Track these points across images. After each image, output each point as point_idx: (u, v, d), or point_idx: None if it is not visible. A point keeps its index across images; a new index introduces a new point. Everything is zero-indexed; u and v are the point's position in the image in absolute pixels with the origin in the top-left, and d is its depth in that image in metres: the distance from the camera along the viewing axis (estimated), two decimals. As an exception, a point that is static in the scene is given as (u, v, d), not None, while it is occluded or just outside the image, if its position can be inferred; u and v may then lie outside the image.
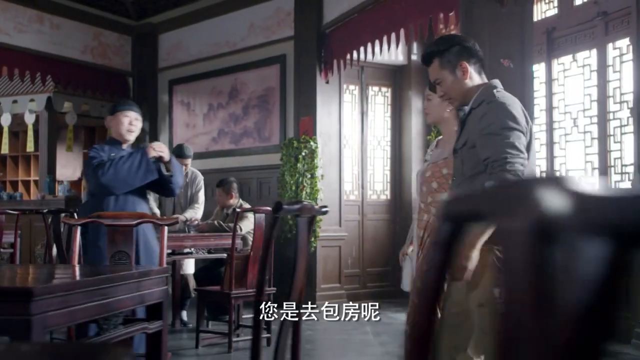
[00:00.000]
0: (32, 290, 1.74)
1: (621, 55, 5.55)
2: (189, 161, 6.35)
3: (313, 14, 7.61)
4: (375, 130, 8.15)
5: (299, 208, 2.05)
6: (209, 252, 6.04)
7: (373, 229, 8.03)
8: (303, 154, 7.36)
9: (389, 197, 8.20)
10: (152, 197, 6.21)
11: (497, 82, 2.76)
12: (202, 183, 6.42)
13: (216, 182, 6.68)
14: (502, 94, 2.67)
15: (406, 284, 3.51)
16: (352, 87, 7.97)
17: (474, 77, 2.76)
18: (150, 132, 9.55)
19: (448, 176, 3.14)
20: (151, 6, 9.19)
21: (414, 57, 8.05)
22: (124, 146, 4.14)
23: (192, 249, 5.78)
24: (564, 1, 6.14)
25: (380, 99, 8.20)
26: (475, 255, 2.40)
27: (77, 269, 3.01)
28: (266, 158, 8.12)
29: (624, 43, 5.51)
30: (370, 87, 8.12)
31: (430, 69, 2.81)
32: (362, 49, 6.90)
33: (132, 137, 4.20)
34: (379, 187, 8.17)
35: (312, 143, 7.37)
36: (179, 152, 6.29)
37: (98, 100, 9.34)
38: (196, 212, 6.30)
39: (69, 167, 11.22)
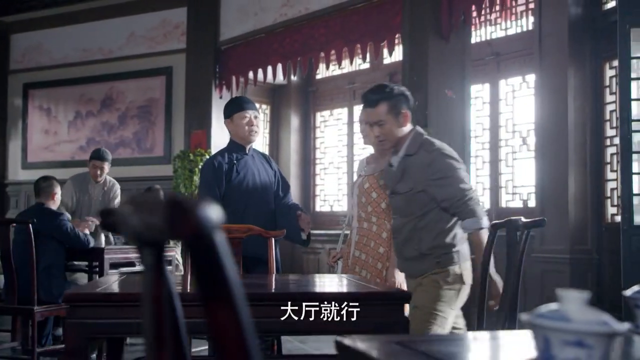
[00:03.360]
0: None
1: (514, 91, 6.55)
2: (106, 165, 6.20)
3: (208, 30, 7.78)
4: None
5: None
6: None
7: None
8: (199, 166, 7.47)
9: (266, 210, 8.56)
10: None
11: (420, 129, 3.25)
12: (119, 191, 6.31)
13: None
14: (434, 140, 3.22)
15: None
16: (236, 103, 8.22)
17: (408, 125, 3.18)
18: (-1, 137, 8.93)
19: (384, 187, 3.59)
20: (12, 3, 8.62)
21: (293, 78, 8.52)
22: (247, 148, 3.95)
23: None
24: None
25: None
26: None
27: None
28: (149, 169, 8.06)
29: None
30: (252, 104, 8.43)
31: (375, 111, 3.04)
32: (269, 68, 7.25)
33: (255, 138, 3.98)
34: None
35: (207, 156, 7.52)
36: (95, 154, 6.14)
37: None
38: None
39: None
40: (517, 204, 6.47)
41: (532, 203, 6.15)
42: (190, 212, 0.50)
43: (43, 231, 5.03)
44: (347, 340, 1.12)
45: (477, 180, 6.65)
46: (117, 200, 6.27)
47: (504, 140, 6.64)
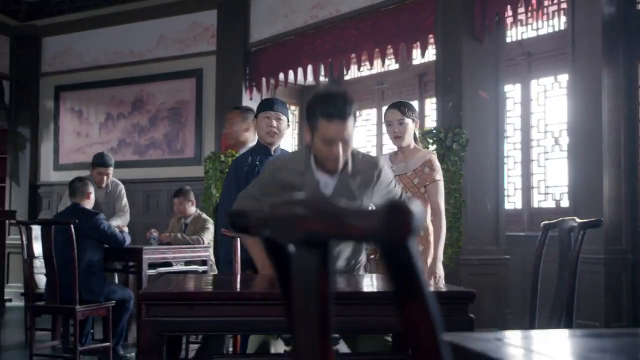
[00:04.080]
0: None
1: (546, 91, 6.56)
2: (111, 170, 6.23)
3: (239, 32, 7.84)
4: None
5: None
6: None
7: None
8: (231, 167, 7.54)
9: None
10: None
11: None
12: (123, 191, 6.33)
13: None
14: (372, 155, 3.45)
15: None
16: (266, 104, 8.28)
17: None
18: (32, 139, 9.05)
19: (419, 185, 3.81)
20: (44, 8, 8.74)
21: (322, 79, 8.56)
22: (273, 150, 3.91)
23: (173, 262, 5.77)
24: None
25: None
26: None
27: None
28: (180, 171, 8.14)
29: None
30: (281, 106, 8.50)
31: (347, 125, 2.65)
32: (300, 70, 7.31)
33: (275, 140, 3.88)
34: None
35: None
36: (99, 161, 6.14)
37: (-25, 102, 8.67)
38: (124, 220, 6.24)
39: None
40: (550, 204, 6.48)
41: (564, 203, 6.16)
42: (410, 215, 0.54)
43: (81, 231, 5.11)
44: (450, 338, 1.15)
45: (509, 180, 6.66)
46: (124, 202, 6.27)
47: (536, 141, 6.65)
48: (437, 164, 3.88)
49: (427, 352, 0.60)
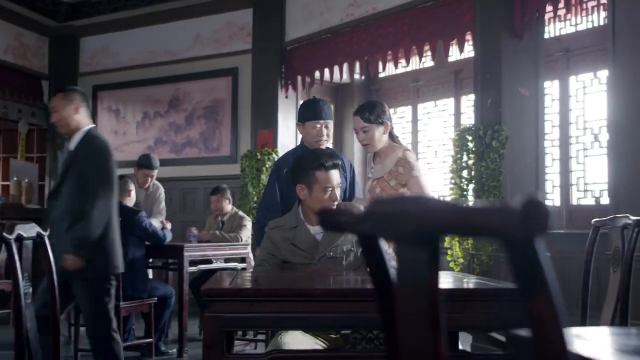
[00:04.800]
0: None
1: (585, 87, 6.49)
2: (155, 173, 6.31)
3: (274, 31, 7.88)
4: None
5: None
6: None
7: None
8: (267, 166, 7.59)
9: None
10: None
11: None
12: (163, 195, 6.41)
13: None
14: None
15: None
16: (301, 102, 8.32)
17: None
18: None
19: (397, 187, 3.67)
20: (82, 9, 8.86)
21: (357, 77, 8.57)
22: None
23: (213, 259, 5.83)
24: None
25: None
26: None
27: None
28: (216, 169, 8.21)
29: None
30: (316, 104, 8.52)
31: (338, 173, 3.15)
32: (335, 68, 7.33)
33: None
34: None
35: (274, 156, 7.63)
36: (146, 163, 6.21)
37: (16, 103, 8.82)
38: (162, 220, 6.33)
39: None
40: (589, 201, 6.41)
41: (604, 201, 6.09)
42: (547, 212, 0.56)
43: (123, 228, 5.18)
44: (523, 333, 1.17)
45: (547, 178, 6.61)
46: (162, 205, 6.35)
47: (574, 138, 6.58)
48: (412, 160, 3.73)
49: (554, 348, 0.62)
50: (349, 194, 4.07)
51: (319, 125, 3.86)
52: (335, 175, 3.06)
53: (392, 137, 3.83)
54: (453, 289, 2.16)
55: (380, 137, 3.73)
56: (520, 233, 0.58)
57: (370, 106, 3.82)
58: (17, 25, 8.61)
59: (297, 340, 2.43)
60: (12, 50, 8.59)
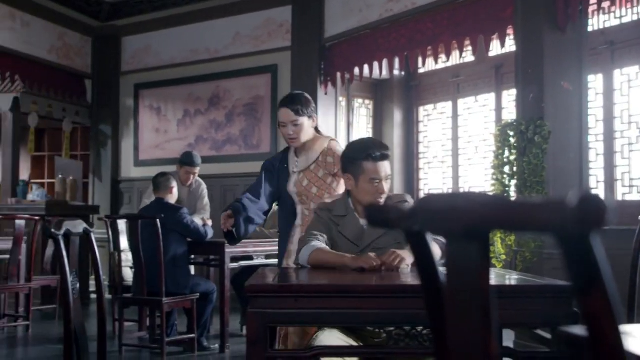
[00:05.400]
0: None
1: (630, 81, 6.37)
2: (197, 170, 6.35)
3: (313, 27, 7.89)
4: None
5: None
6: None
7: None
8: (307, 162, 7.60)
9: (369, 204, 8.63)
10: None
11: None
12: (205, 191, 6.45)
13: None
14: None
15: None
16: (340, 98, 8.32)
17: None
18: (113, 136, 9.33)
19: (325, 177, 3.59)
20: (124, 8, 8.98)
21: (396, 72, 8.54)
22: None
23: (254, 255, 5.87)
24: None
25: (363, 111, 8.62)
26: None
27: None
28: (256, 165, 8.22)
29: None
30: (355, 100, 8.52)
31: (388, 164, 3.02)
32: (375, 64, 7.31)
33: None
34: (361, 195, 8.56)
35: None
36: (188, 160, 6.26)
37: (60, 102, 8.98)
38: (206, 216, 6.37)
39: (25, 170, 10.52)
40: (635, 197, 6.29)
41: (650, 196, 5.99)
42: (604, 207, 0.55)
43: (166, 225, 5.25)
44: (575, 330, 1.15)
45: (591, 172, 6.51)
46: (206, 200, 6.38)
47: (619, 132, 6.46)
48: (340, 149, 3.58)
49: (609, 342, 0.61)
50: None
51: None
52: (384, 167, 2.93)
53: (317, 129, 3.76)
54: (496, 285, 2.14)
55: (308, 130, 3.63)
56: (576, 228, 0.57)
57: (301, 98, 3.69)
58: (60, 25, 8.77)
59: (332, 340, 2.42)
60: (56, 50, 8.75)
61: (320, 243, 2.86)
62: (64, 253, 2.16)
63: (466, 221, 0.75)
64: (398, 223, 0.96)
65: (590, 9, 5.87)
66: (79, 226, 2.35)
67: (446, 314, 0.86)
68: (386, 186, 2.96)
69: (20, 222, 6.26)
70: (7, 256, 6.42)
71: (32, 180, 10.40)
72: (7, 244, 6.40)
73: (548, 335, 2.24)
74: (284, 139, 3.77)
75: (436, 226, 0.84)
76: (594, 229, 0.57)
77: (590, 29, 6.53)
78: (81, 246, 2.47)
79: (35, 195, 8.00)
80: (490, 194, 0.75)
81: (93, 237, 2.51)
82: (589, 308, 0.62)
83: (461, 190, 7.62)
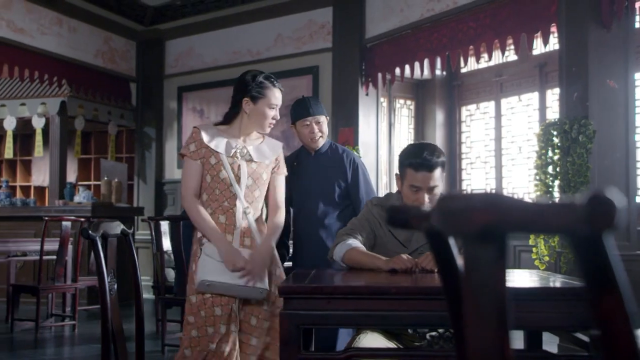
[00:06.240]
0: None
1: (678, 79, 6.20)
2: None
3: (354, 28, 7.88)
4: (401, 142, 8.51)
5: None
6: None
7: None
8: (348, 163, 7.59)
9: (411, 205, 8.59)
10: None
11: None
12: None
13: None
14: None
15: None
16: (381, 99, 8.29)
17: None
18: (157, 138, 9.45)
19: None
20: (167, 12, 9.10)
21: (437, 72, 8.48)
22: (315, 151, 4.01)
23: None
24: None
25: (405, 112, 8.58)
26: None
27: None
28: (297, 167, 8.26)
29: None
30: (397, 100, 8.49)
31: (433, 175, 2.89)
32: (416, 64, 7.26)
33: (319, 144, 3.90)
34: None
35: (355, 153, 7.61)
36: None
37: (105, 105, 9.15)
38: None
39: (72, 172, 10.78)
40: (683, 197, 6.13)
41: (700, 196, 5.82)
42: (613, 207, 0.54)
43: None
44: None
45: (638, 172, 6.36)
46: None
47: (667, 131, 6.31)
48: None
49: (623, 345, 0.59)
50: (353, 191, 4.02)
51: (307, 122, 3.86)
52: (425, 177, 2.81)
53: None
54: (538, 288, 2.11)
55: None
56: (586, 229, 0.55)
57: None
58: (105, 30, 8.93)
59: (373, 344, 2.41)
60: (102, 55, 8.90)
61: (356, 242, 2.85)
62: (101, 254, 2.19)
63: (480, 222, 0.74)
64: (418, 224, 0.95)
65: (637, 5, 5.74)
66: (116, 227, 2.39)
67: (464, 316, 0.85)
68: (428, 196, 2.84)
69: (67, 224, 6.38)
70: (54, 257, 6.56)
71: (79, 183, 10.61)
72: (54, 245, 6.54)
73: (587, 339, 2.20)
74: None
75: (452, 227, 0.83)
76: (605, 229, 0.55)
77: (637, 25, 6.40)
78: (122, 247, 2.51)
79: (81, 197, 8.16)
80: (509, 195, 0.73)
81: (131, 238, 2.54)
82: (602, 310, 0.60)
83: (504, 192, 7.53)
